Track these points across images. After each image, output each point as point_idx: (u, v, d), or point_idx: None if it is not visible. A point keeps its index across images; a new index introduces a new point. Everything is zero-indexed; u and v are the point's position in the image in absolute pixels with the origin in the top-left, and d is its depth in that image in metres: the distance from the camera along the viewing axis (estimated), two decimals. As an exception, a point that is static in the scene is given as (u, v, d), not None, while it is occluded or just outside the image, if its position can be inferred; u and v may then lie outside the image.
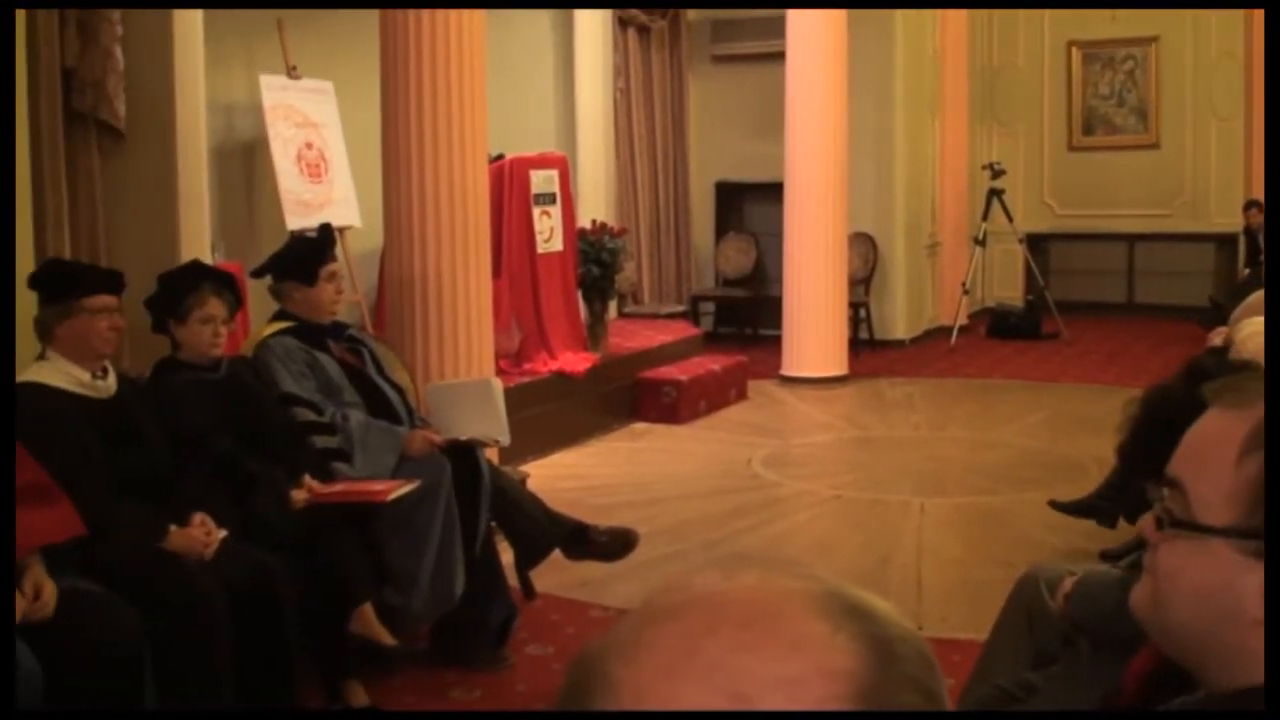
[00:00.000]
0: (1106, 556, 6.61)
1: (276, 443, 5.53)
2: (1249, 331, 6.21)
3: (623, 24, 14.15)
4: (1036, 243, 16.69)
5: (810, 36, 12.31)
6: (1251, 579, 1.45)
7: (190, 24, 7.68)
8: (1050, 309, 15.41)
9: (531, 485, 6.89)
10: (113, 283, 5.08)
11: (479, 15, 7.55)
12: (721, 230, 16.02)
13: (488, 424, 6.22)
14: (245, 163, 10.24)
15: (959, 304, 15.48)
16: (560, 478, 9.02)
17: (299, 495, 5.40)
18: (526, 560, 6.35)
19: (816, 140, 12.33)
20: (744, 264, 15.59)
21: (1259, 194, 14.00)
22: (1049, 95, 17.62)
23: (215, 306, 5.41)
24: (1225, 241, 16.22)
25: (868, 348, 14.37)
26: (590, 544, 6.31)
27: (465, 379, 7.18)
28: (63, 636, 4.12)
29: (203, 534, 4.84)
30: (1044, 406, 11.58)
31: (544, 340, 10.30)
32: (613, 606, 6.64)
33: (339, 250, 6.72)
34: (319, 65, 9.97)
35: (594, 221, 11.35)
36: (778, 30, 12.96)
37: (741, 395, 12.07)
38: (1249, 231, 14.71)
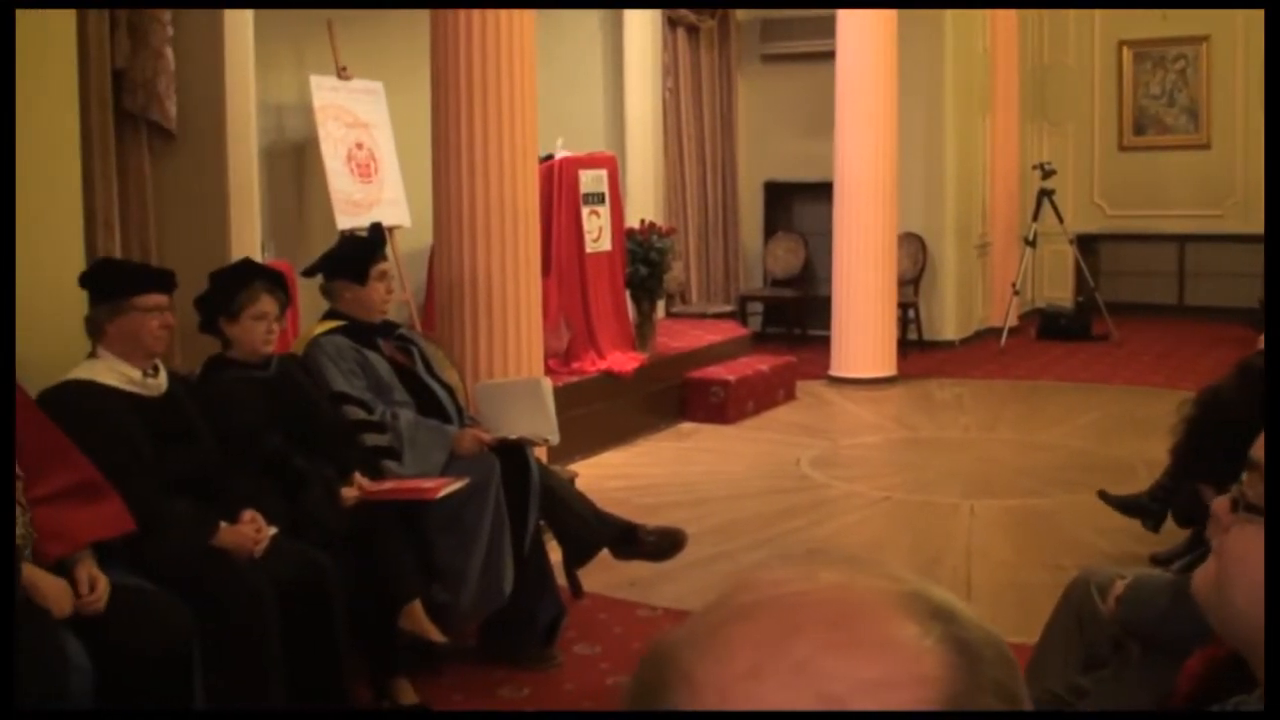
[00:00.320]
0: (1157, 560, 6.57)
1: (326, 440, 5.55)
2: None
3: (672, 24, 14.15)
4: (1087, 243, 16.57)
5: (860, 35, 12.27)
6: None
7: (241, 25, 7.72)
8: (1100, 310, 15.32)
9: (579, 484, 6.90)
10: (164, 281, 5.10)
11: (529, 15, 7.55)
12: (770, 230, 15.99)
13: (537, 423, 6.23)
14: (295, 163, 10.29)
15: (1009, 305, 15.41)
16: (608, 477, 9.02)
17: (349, 493, 5.42)
18: (575, 559, 6.36)
19: (866, 140, 12.29)
20: (793, 264, 15.57)
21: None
22: (1100, 95, 17.51)
23: (268, 303, 5.44)
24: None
25: (917, 348, 14.32)
26: (639, 544, 6.31)
27: (515, 378, 7.18)
28: (114, 632, 4.14)
29: (253, 531, 4.86)
30: (1094, 408, 11.52)
31: (592, 340, 10.31)
32: (660, 606, 6.64)
33: (389, 250, 6.74)
34: (369, 66, 10.01)
35: (642, 221, 11.35)
36: (827, 29, 12.93)
37: (790, 396, 12.05)
38: (1302, 232, 14.60)
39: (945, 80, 14.62)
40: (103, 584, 4.21)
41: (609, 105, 13.41)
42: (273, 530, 4.93)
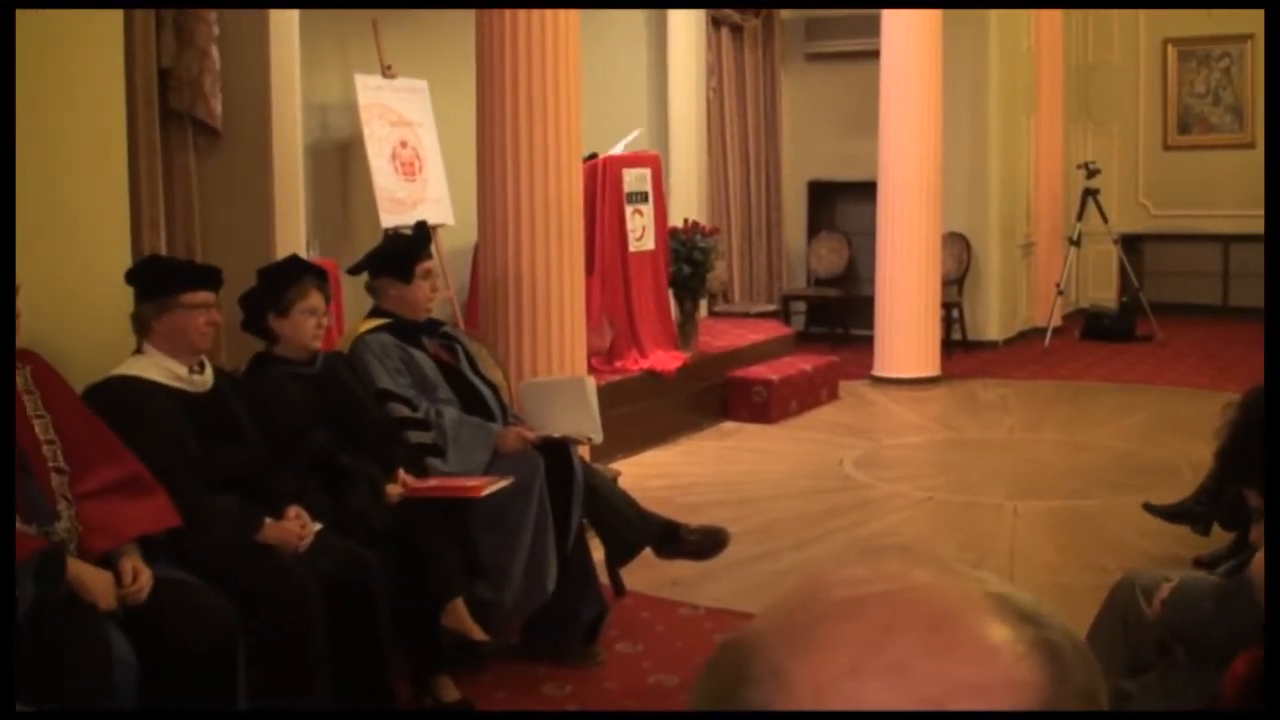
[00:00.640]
0: (1201, 563, 6.54)
1: (371, 437, 5.57)
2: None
3: (716, 23, 14.14)
4: (1131, 243, 16.48)
5: (905, 34, 12.23)
6: None
7: (286, 24, 7.76)
8: (1145, 311, 15.23)
9: (622, 483, 6.90)
10: (211, 279, 5.13)
11: (574, 15, 7.55)
12: (814, 229, 15.96)
13: (581, 421, 6.24)
14: (340, 161, 10.33)
15: (1053, 305, 15.35)
16: (650, 476, 9.01)
17: (393, 490, 5.43)
18: (617, 558, 6.37)
19: (911, 139, 12.25)
20: (836, 263, 15.54)
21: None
22: (1144, 93, 17.40)
23: (317, 299, 5.48)
24: (1324, 243, 15.97)
25: (960, 349, 14.27)
26: (681, 543, 6.32)
27: (559, 376, 7.19)
28: (158, 627, 4.16)
29: (298, 527, 4.88)
30: (1138, 409, 11.46)
31: (635, 339, 10.31)
32: (703, 605, 6.64)
33: (433, 248, 6.77)
34: (413, 64, 10.04)
35: (686, 220, 11.35)
36: (872, 28, 12.91)
37: (833, 395, 12.02)
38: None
39: (990, 79, 14.57)
40: (146, 575, 4.24)
41: (653, 105, 13.41)
42: (317, 526, 4.95)
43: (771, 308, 14.46)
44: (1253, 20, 16.11)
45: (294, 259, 5.84)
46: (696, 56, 13.55)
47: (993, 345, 14.85)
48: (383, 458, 5.53)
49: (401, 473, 5.53)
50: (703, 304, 11.90)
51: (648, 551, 6.32)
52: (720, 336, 11.99)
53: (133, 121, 6.46)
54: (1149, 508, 7.44)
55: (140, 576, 4.23)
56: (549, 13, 7.35)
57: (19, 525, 4.07)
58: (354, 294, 7.71)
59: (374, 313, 6.14)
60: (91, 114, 5.53)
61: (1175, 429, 10.28)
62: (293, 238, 7.72)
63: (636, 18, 13.22)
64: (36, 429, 4.29)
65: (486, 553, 5.65)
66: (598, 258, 9.86)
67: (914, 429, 11.04)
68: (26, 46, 5.14)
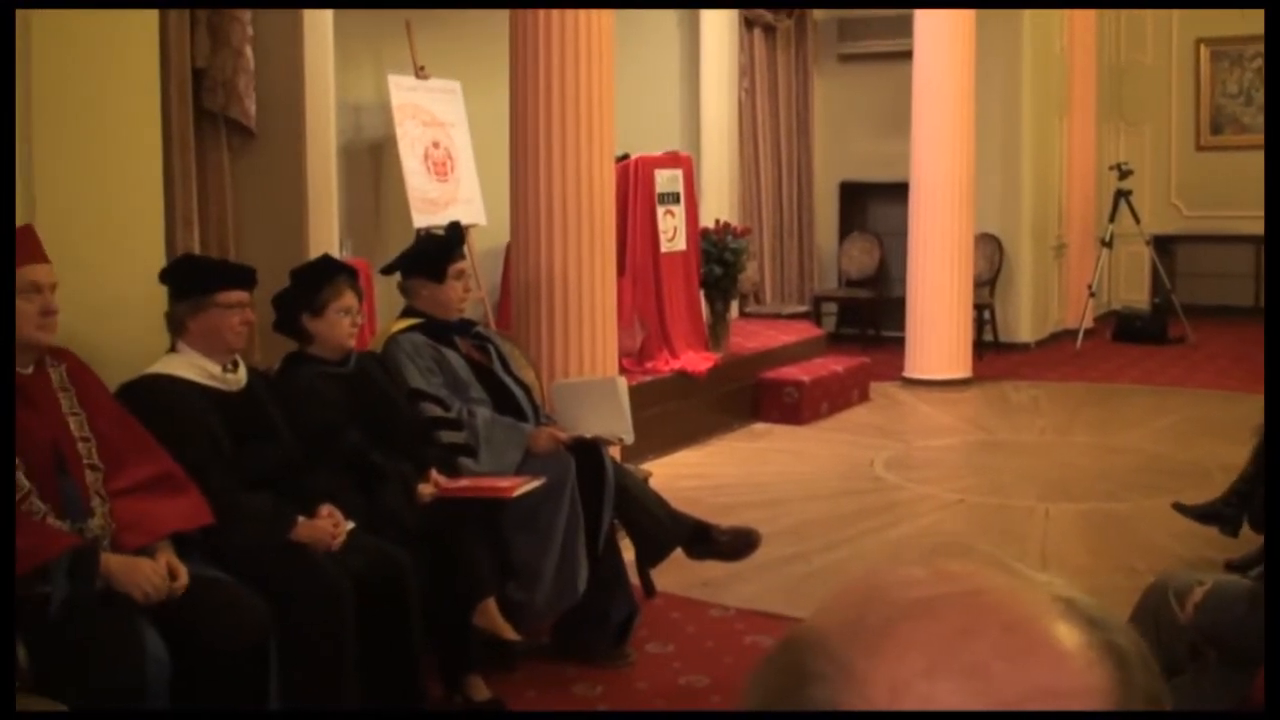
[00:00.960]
0: (1232, 566, 6.52)
1: (403, 437, 5.58)
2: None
3: (749, 24, 14.13)
4: (1163, 245, 16.41)
5: (938, 35, 12.21)
6: None
7: (320, 25, 7.79)
8: (1177, 312, 15.18)
9: (653, 484, 6.91)
10: (245, 278, 5.14)
11: (608, 15, 7.55)
12: (845, 230, 15.93)
13: (612, 422, 6.25)
14: (372, 161, 10.36)
15: (1085, 307, 15.31)
16: (681, 477, 9.01)
17: (425, 489, 5.45)
18: (648, 558, 6.38)
19: (943, 140, 12.23)
20: (867, 264, 15.52)
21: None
22: (1177, 94, 17.33)
23: (350, 298, 5.50)
24: (1358, 245, 15.89)
25: (992, 350, 14.24)
26: (712, 543, 6.31)
27: (591, 377, 7.20)
28: (191, 624, 4.18)
29: (330, 525, 4.89)
30: (1170, 411, 11.42)
31: (666, 339, 10.31)
32: (733, 606, 6.64)
33: (466, 248, 6.78)
34: (446, 65, 10.06)
35: (717, 221, 11.34)
36: (905, 29, 12.90)
37: (864, 397, 12.01)
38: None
39: (1023, 80, 14.54)
40: (184, 574, 4.25)
41: (685, 105, 13.42)
42: (350, 525, 4.97)
43: (803, 309, 14.46)
44: (1287, 20, 16.00)
45: (326, 258, 5.86)
46: (729, 57, 13.55)
47: (1024, 347, 14.82)
48: (415, 457, 5.54)
49: (434, 472, 5.54)
50: (734, 305, 11.90)
51: (678, 552, 6.32)
52: (751, 337, 11.99)
53: (167, 121, 6.49)
54: (1178, 507, 7.42)
55: (179, 574, 4.25)
56: (582, 13, 7.36)
57: (53, 521, 4.10)
58: (386, 294, 7.74)
59: (406, 313, 6.15)
60: (126, 114, 5.55)
61: (1207, 431, 10.24)
62: (325, 237, 7.76)
63: (669, 18, 13.23)
64: (71, 426, 4.32)
65: (518, 553, 5.66)
66: (629, 258, 9.87)
67: (945, 430, 11.02)
68: (62, 48, 5.18)
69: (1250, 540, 6.84)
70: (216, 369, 4.97)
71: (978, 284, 13.46)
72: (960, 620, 0.86)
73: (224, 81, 7.35)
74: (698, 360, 10.43)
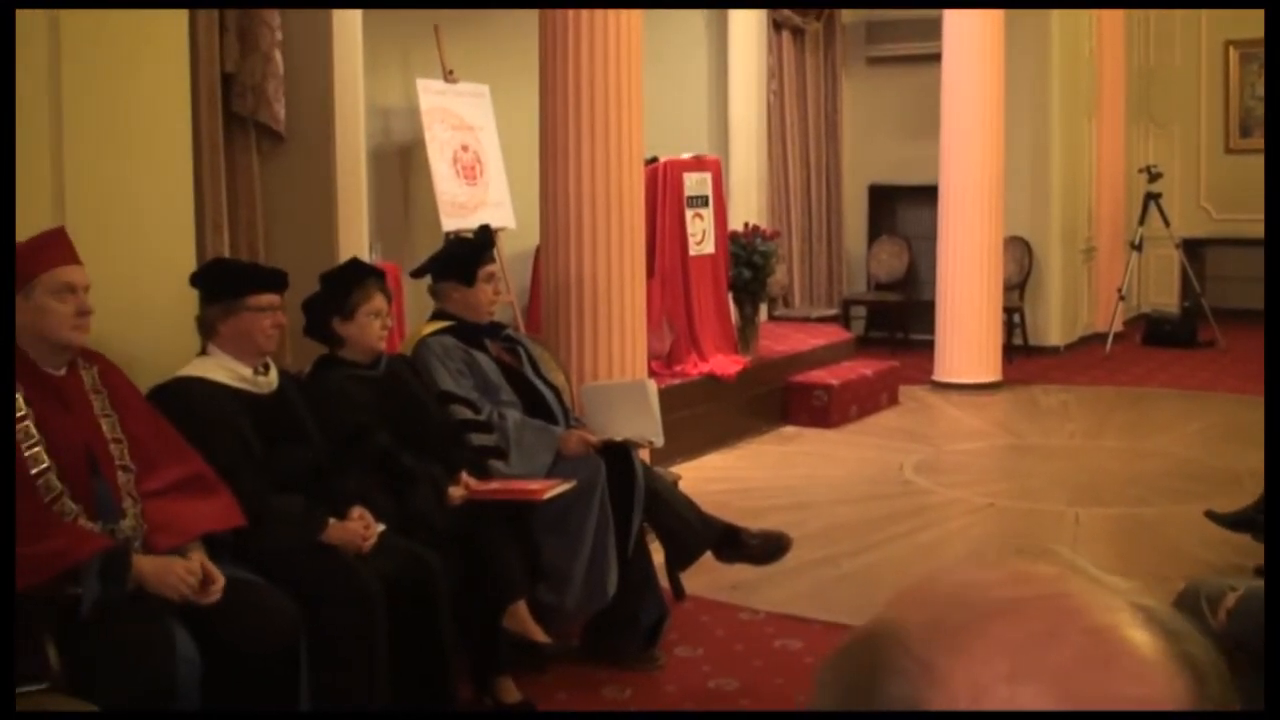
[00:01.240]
0: (1262, 573, 6.48)
1: (434, 439, 5.59)
2: None
3: (777, 26, 14.13)
4: (1193, 248, 16.34)
5: (967, 38, 12.18)
6: None
7: (349, 29, 7.80)
8: (1206, 316, 15.11)
9: (682, 487, 6.90)
10: (276, 281, 5.15)
11: (637, 16, 7.55)
12: (874, 233, 15.91)
13: (642, 425, 6.24)
14: (402, 165, 10.38)
15: (1114, 310, 15.26)
16: (710, 480, 9.01)
17: (456, 492, 5.45)
18: (678, 561, 6.37)
19: (972, 143, 12.20)
20: (896, 268, 15.49)
21: None
22: (1206, 96, 17.26)
23: (380, 301, 5.52)
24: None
25: (1022, 354, 14.20)
26: (742, 547, 6.30)
27: (620, 380, 7.20)
28: (222, 625, 4.18)
29: (361, 528, 4.90)
30: (1200, 416, 11.38)
31: (695, 342, 10.31)
32: (763, 610, 6.63)
33: (495, 251, 6.79)
34: (475, 69, 10.08)
35: (746, 224, 11.33)
36: (934, 31, 12.87)
37: (893, 400, 11.99)
38: None
39: (1052, 82, 14.49)
40: (220, 580, 4.26)
41: (713, 108, 13.42)
42: (381, 527, 4.97)
43: (831, 312, 14.45)
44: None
45: (355, 262, 5.86)
46: (757, 59, 13.54)
47: (1054, 350, 14.78)
48: (446, 460, 5.55)
49: (464, 475, 5.55)
50: (763, 308, 11.88)
51: (708, 555, 6.31)
52: (780, 341, 11.98)
53: (197, 125, 6.51)
54: (1211, 515, 7.38)
55: (216, 581, 4.25)
56: (611, 16, 7.35)
57: (85, 523, 4.11)
58: (416, 297, 7.75)
59: (437, 315, 6.16)
60: (156, 118, 5.57)
61: (1236, 436, 10.19)
62: (355, 241, 7.77)
63: (698, 20, 13.23)
64: (104, 427, 4.33)
65: (548, 555, 5.67)
66: (658, 261, 9.87)
67: (975, 434, 10.99)
68: (92, 51, 5.20)
69: (1282, 545, 6.80)
70: (248, 372, 4.98)
71: (1007, 287, 13.42)
72: (1042, 624, 0.85)
73: (253, 86, 7.38)
74: (727, 363, 10.42)
